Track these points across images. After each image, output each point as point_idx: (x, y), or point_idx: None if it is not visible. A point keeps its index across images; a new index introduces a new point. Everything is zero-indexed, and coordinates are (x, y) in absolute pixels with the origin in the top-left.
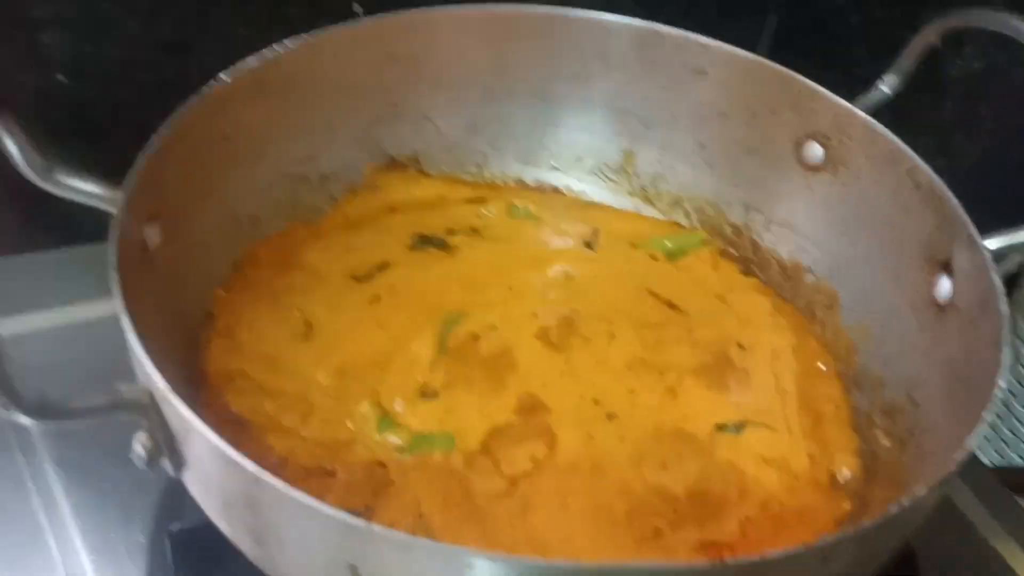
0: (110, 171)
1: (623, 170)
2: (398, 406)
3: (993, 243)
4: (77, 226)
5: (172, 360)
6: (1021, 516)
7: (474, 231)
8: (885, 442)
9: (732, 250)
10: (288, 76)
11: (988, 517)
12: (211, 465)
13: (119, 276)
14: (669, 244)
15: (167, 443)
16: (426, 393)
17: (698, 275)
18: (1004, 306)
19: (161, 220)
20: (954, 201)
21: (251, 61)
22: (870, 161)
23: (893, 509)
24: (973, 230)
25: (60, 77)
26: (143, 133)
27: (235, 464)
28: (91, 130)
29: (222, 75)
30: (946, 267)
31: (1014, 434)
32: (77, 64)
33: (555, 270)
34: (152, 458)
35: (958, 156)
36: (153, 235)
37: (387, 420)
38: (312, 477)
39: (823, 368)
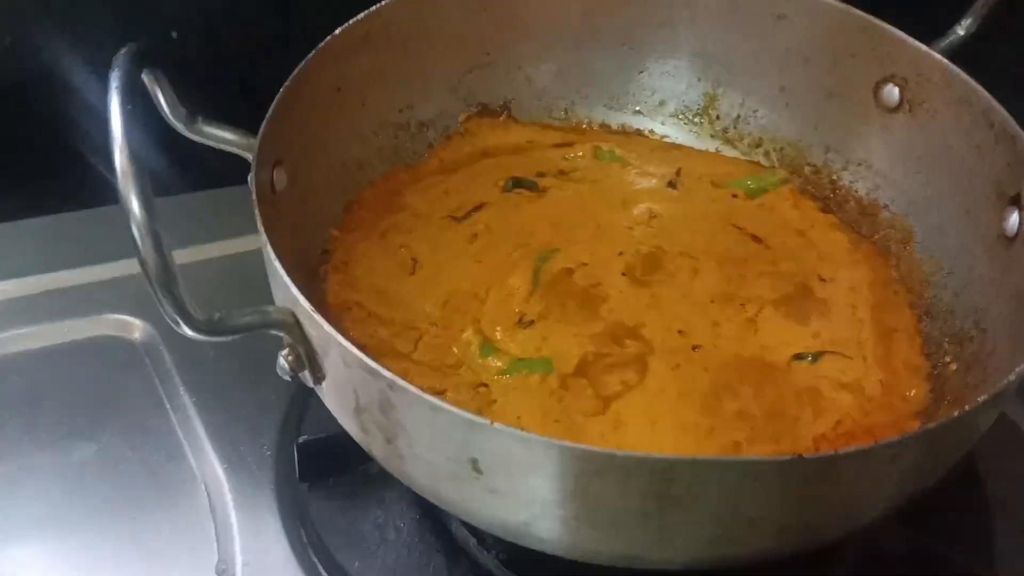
0: (222, 120)
1: (705, 113)
2: (498, 334)
3: None
4: (213, 171)
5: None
6: None
7: (562, 173)
8: (953, 366)
9: (811, 189)
10: (389, 28)
11: None
12: (349, 374)
13: (260, 211)
14: (750, 183)
15: (308, 357)
16: (523, 322)
17: (779, 212)
18: None
19: (286, 165)
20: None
21: (358, 16)
22: (946, 102)
23: (955, 414)
24: None
25: (173, 34)
26: (248, 87)
27: (373, 370)
28: (202, 82)
29: (335, 32)
30: (1015, 201)
31: None
32: (188, 21)
33: (640, 209)
34: (295, 371)
35: None
36: (280, 178)
37: (489, 346)
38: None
39: (896, 298)
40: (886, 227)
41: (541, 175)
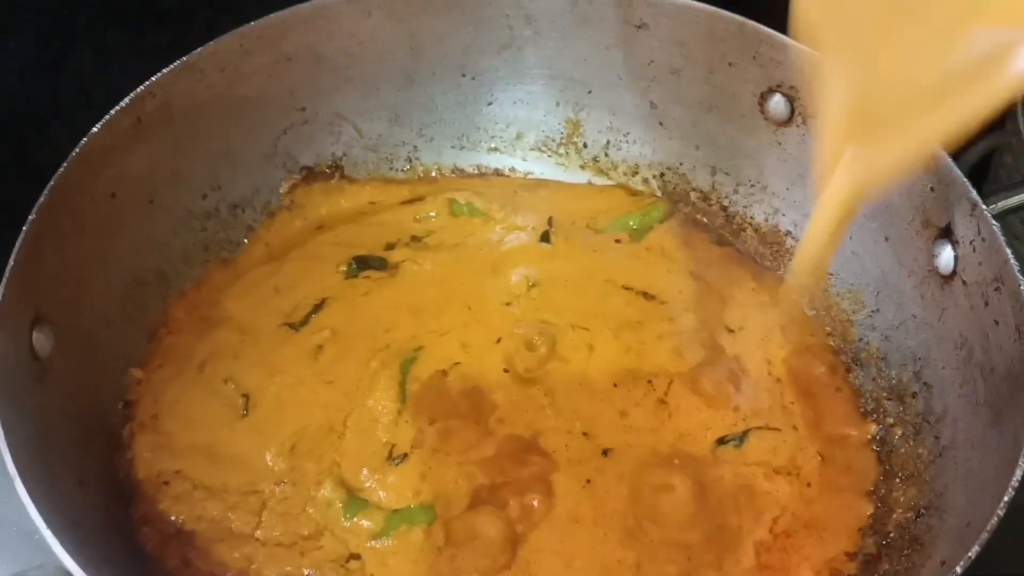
0: None
1: (570, 142)
2: (365, 479)
3: (1000, 205)
4: None
5: (92, 478)
6: None
7: (416, 240)
8: (898, 431)
9: (702, 218)
10: (169, 106)
11: None
12: None
13: (6, 433)
14: (632, 223)
15: None
16: (394, 457)
17: (668, 254)
18: (1023, 286)
19: (50, 318)
20: (948, 160)
21: (121, 103)
22: None
23: None
24: (975, 195)
25: None
26: (23, 174)
27: None
28: None
29: (94, 128)
30: (947, 234)
31: None
32: None
33: (514, 276)
34: None
35: None
36: (44, 339)
37: (355, 501)
38: None
39: (816, 340)
40: (792, 256)
41: (390, 247)
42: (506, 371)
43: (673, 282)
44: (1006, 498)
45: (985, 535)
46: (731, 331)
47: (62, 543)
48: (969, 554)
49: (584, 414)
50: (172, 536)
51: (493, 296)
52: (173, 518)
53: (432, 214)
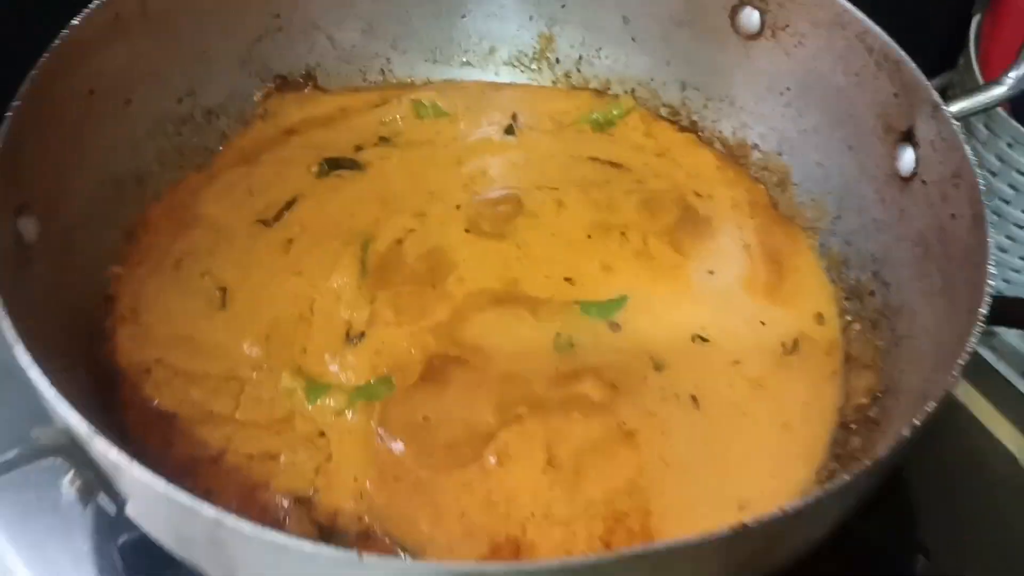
0: None
1: (543, 57)
2: (328, 362)
3: (957, 107)
4: None
5: (80, 364)
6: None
7: (384, 141)
8: (856, 326)
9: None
10: (145, 5)
11: None
12: (159, 505)
13: (3, 299)
14: (596, 116)
15: (101, 481)
16: (351, 337)
17: (633, 141)
18: (979, 177)
19: (35, 208)
20: (912, 65)
21: None
22: (814, 25)
23: (881, 452)
24: (936, 97)
25: None
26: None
27: (190, 509)
28: None
29: (73, 21)
30: (908, 137)
31: None
32: None
33: (476, 163)
34: (86, 499)
35: None
36: (29, 227)
37: (314, 387)
38: (255, 463)
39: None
40: (759, 169)
41: (359, 148)
42: (467, 231)
43: (639, 157)
44: (960, 361)
45: (933, 404)
46: (699, 196)
47: (72, 404)
48: (919, 419)
49: (564, 261)
50: (155, 419)
51: (456, 180)
52: (156, 402)
53: (399, 116)
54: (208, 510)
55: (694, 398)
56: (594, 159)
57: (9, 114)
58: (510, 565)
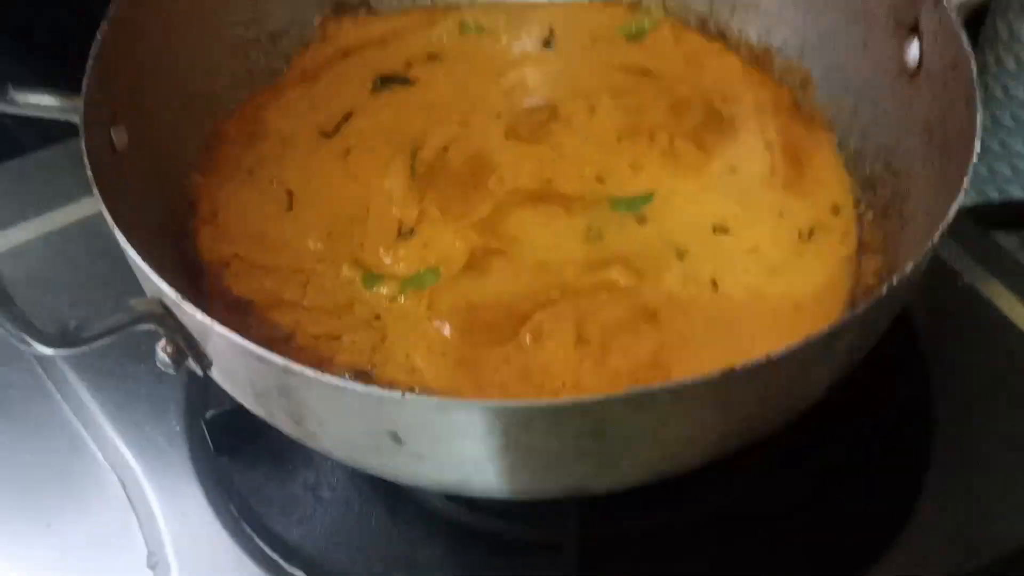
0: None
1: None
2: (383, 255)
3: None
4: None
5: (169, 257)
6: (997, 253)
7: (431, 57)
8: (868, 215)
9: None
10: None
11: (966, 257)
12: (238, 362)
13: (101, 191)
14: (630, 27)
15: (189, 346)
16: (403, 233)
17: (663, 50)
18: (973, 65)
19: (124, 119)
20: None
21: None
22: None
23: (884, 290)
24: None
25: None
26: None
27: (262, 359)
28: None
29: None
30: (914, 30)
31: (989, 170)
32: None
33: (516, 74)
34: (177, 362)
35: None
36: (120, 135)
37: (370, 275)
38: (321, 343)
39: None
40: (783, 71)
41: (409, 65)
42: (507, 137)
43: (668, 64)
44: (941, 227)
45: (912, 265)
46: (725, 99)
47: (161, 276)
48: (895, 280)
49: (595, 161)
50: (234, 305)
51: (496, 90)
52: (235, 291)
53: (445, 35)
54: (277, 359)
55: (714, 282)
56: (626, 68)
57: (99, 33)
58: (528, 402)
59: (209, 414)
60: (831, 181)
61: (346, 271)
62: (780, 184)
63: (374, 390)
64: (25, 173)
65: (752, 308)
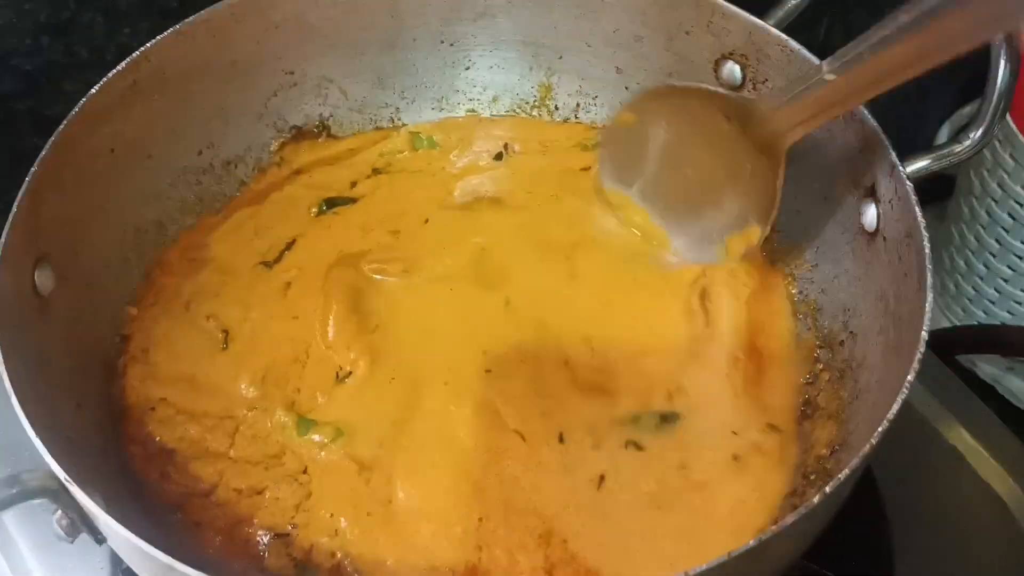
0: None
1: (543, 104)
2: (320, 400)
3: (916, 166)
4: None
5: (90, 400)
6: (951, 385)
7: (377, 172)
8: (825, 375)
9: None
10: (163, 70)
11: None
12: (127, 548)
13: (5, 356)
14: (588, 143)
15: (83, 520)
16: (340, 376)
17: None
18: (926, 242)
19: (52, 260)
20: (874, 124)
21: (118, 67)
22: (788, 80)
23: (814, 501)
24: (894, 157)
25: None
26: (38, 126)
27: (148, 554)
28: None
29: (92, 90)
30: (872, 193)
31: (975, 291)
32: None
33: (460, 184)
34: (72, 535)
35: None
36: (45, 278)
37: (304, 421)
38: (243, 498)
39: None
40: None
41: (354, 184)
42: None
43: None
44: (880, 429)
45: (855, 463)
46: None
47: (52, 455)
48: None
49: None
50: (155, 454)
51: (445, 209)
52: (157, 439)
53: (396, 150)
54: (159, 555)
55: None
56: (585, 169)
57: (28, 178)
58: None
59: (125, 566)
60: (782, 383)
61: (280, 416)
62: (741, 385)
63: None
64: None
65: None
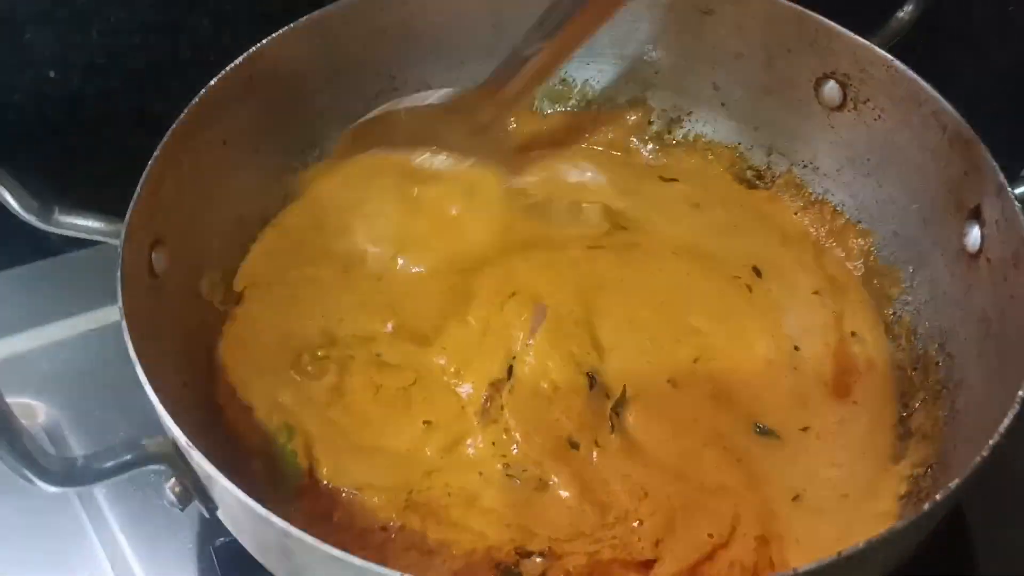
0: (111, 170)
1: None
2: None
3: (1020, 190)
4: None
5: (196, 382)
6: None
7: None
8: (921, 394)
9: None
10: (277, 67)
11: None
12: (241, 516)
13: (129, 324)
14: None
15: (196, 488)
16: None
17: None
18: None
19: (167, 243)
20: (981, 145)
21: (236, 60)
22: (892, 101)
23: (927, 507)
24: (1002, 178)
25: (51, 73)
26: (141, 123)
27: (264, 519)
28: (88, 122)
29: (211, 82)
30: (976, 215)
31: None
32: (65, 58)
33: None
34: (184, 502)
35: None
36: (161, 259)
37: None
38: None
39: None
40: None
41: None
42: None
43: None
44: (991, 442)
45: (957, 481)
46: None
47: (175, 420)
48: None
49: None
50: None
51: None
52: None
53: None
54: (278, 521)
55: None
56: None
57: (151, 162)
58: None
59: (219, 541)
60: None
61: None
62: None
63: (372, 566)
64: (56, 273)
65: None
